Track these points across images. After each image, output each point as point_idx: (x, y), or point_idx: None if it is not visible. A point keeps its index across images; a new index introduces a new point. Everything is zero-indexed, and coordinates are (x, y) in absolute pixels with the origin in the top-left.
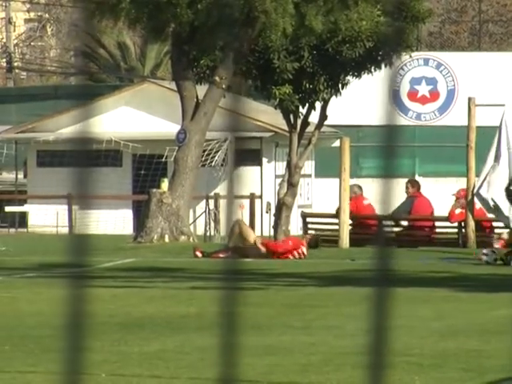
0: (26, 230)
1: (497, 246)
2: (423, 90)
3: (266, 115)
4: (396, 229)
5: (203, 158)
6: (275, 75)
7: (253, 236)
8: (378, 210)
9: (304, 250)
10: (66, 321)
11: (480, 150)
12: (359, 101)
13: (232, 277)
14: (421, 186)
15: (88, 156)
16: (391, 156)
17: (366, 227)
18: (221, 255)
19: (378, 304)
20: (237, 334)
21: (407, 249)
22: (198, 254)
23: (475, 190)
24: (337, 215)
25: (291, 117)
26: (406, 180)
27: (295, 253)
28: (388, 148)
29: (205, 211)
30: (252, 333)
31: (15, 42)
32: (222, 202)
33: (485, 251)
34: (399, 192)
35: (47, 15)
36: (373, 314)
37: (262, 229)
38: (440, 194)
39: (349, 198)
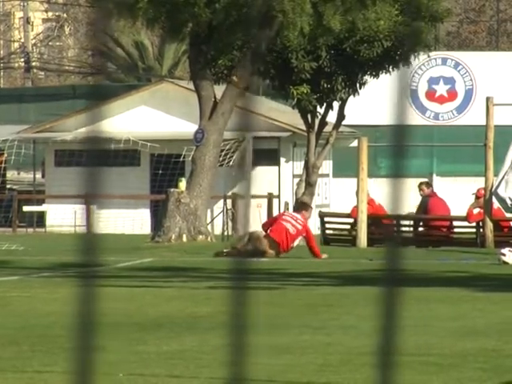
0: (43, 229)
1: None
2: (441, 89)
3: (283, 115)
4: (412, 229)
5: (221, 158)
6: (293, 75)
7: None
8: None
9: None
10: (78, 320)
11: (498, 150)
12: (377, 100)
13: (241, 276)
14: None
15: (101, 155)
16: (401, 156)
17: (383, 227)
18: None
19: (388, 304)
20: (246, 334)
21: (425, 249)
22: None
23: (493, 190)
24: (351, 216)
25: (309, 116)
26: (423, 180)
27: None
28: (398, 148)
29: (222, 211)
30: (269, 332)
31: (33, 41)
32: (240, 202)
33: (503, 251)
34: (414, 192)
35: (65, 15)
36: (383, 314)
37: None
38: (458, 194)
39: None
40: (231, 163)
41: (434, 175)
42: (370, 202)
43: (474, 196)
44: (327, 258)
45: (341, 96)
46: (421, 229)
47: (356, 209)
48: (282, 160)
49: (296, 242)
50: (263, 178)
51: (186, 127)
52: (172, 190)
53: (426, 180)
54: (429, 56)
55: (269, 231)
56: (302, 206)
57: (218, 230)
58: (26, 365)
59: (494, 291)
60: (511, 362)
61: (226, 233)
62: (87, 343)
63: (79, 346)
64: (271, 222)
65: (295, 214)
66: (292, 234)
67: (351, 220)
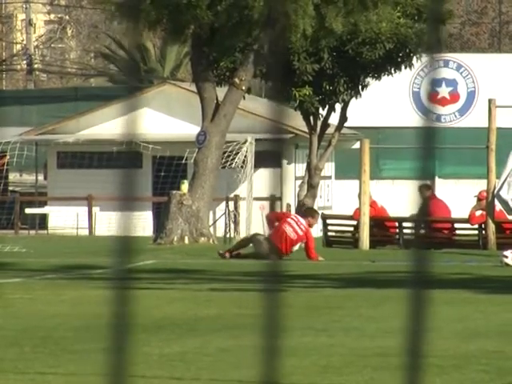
0: (46, 231)
1: None
2: (443, 91)
3: (285, 117)
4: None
5: (223, 160)
6: (295, 77)
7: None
8: (401, 212)
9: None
10: (109, 321)
11: (500, 152)
12: (379, 102)
13: (272, 279)
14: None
15: (132, 157)
16: (428, 158)
17: (385, 229)
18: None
19: (415, 306)
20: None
21: (428, 251)
22: (227, 254)
23: (495, 192)
24: (353, 218)
25: (311, 118)
26: (424, 182)
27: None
28: (424, 150)
29: (224, 213)
30: (271, 334)
31: (35, 43)
32: (242, 204)
33: (505, 253)
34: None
35: (67, 17)
36: (409, 316)
37: None
38: (460, 196)
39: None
40: (233, 165)
41: (437, 177)
42: (373, 204)
43: (476, 198)
44: (328, 260)
45: (343, 98)
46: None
47: (358, 211)
48: (285, 162)
49: (296, 247)
50: (265, 179)
51: (188, 129)
52: (174, 192)
53: (426, 182)
54: (433, 58)
55: (269, 234)
56: (309, 212)
57: (220, 232)
58: (28, 366)
59: (496, 293)
60: None
61: (228, 235)
62: (121, 344)
63: (113, 347)
64: (277, 217)
65: (300, 219)
66: (292, 239)
67: (353, 222)
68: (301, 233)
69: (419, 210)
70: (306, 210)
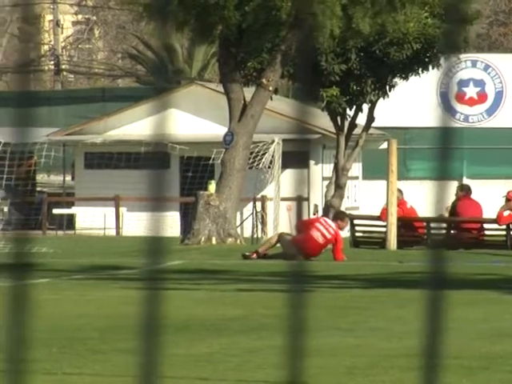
0: (73, 232)
1: None
2: (471, 91)
3: (313, 117)
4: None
5: (250, 160)
6: (323, 77)
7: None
8: (428, 213)
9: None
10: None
11: None
12: (406, 103)
13: (298, 279)
14: (470, 189)
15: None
16: (446, 158)
17: (413, 229)
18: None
19: (432, 306)
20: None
21: (456, 251)
22: (254, 256)
23: None
24: (380, 219)
25: (338, 119)
26: (454, 182)
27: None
28: (442, 150)
29: (252, 213)
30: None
31: (63, 44)
32: (269, 204)
33: None
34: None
35: (95, 18)
36: (427, 316)
37: None
38: (488, 196)
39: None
40: (261, 165)
41: (464, 178)
42: (401, 204)
43: (504, 198)
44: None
45: (370, 98)
46: (452, 231)
47: (385, 211)
48: (312, 162)
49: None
50: (292, 180)
51: (215, 129)
52: (201, 192)
53: (462, 183)
54: (459, 58)
55: (297, 239)
56: (338, 214)
57: (247, 233)
58: (55, 367)
59: None
60: None
61: (255, 235)
62: (150, 345)
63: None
64: (305, 225)
65: (329, 222)
66: (320, 244)
67: (381, 222)
68: (329, 236)
69: (450, 211)
70: (335, 214)
